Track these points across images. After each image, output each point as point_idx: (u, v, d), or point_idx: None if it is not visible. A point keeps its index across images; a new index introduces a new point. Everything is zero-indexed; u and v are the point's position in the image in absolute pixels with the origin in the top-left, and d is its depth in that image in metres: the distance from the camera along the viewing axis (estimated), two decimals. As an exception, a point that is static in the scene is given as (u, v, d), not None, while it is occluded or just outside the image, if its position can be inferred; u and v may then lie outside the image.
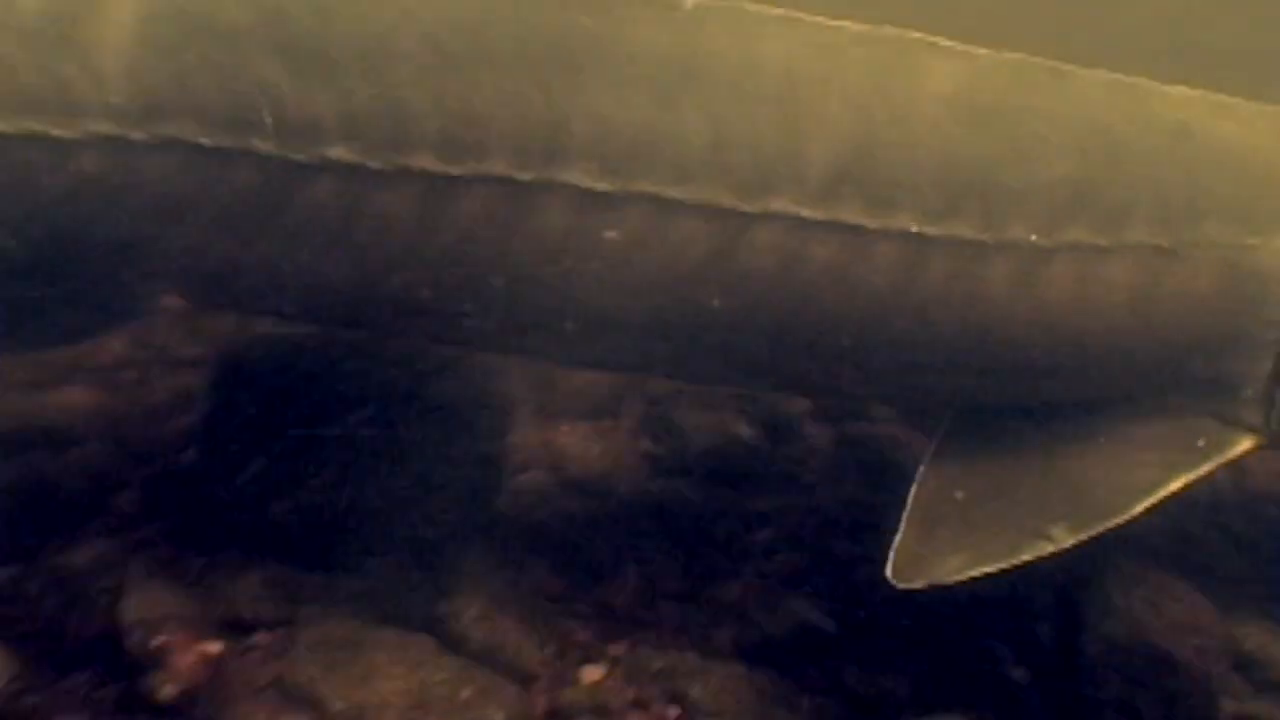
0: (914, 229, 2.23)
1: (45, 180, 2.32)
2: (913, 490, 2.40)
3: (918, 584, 2.24)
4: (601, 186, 2.22)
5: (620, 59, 2.23)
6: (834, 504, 3.09)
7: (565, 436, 3.31)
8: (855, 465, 3.32)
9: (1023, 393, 2.45)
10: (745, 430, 3.37)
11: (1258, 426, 2.37)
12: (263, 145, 2.25)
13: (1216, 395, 2.39)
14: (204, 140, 2.26)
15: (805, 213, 2.22)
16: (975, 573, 2.23)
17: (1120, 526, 2.25)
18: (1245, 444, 2.35)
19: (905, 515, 2.35)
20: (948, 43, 2.36)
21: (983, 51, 2.37)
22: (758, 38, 2.28)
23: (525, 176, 2.22)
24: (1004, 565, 2.24)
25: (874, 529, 2.52)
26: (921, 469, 2.44)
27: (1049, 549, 2.24)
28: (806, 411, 3.49)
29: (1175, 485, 2.28)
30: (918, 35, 2.36)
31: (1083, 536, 2.25)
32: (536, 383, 3.43)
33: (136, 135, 2.27)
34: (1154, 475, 2.30)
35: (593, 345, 2.44)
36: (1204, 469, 2.31)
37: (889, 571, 2.26)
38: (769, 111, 2.22)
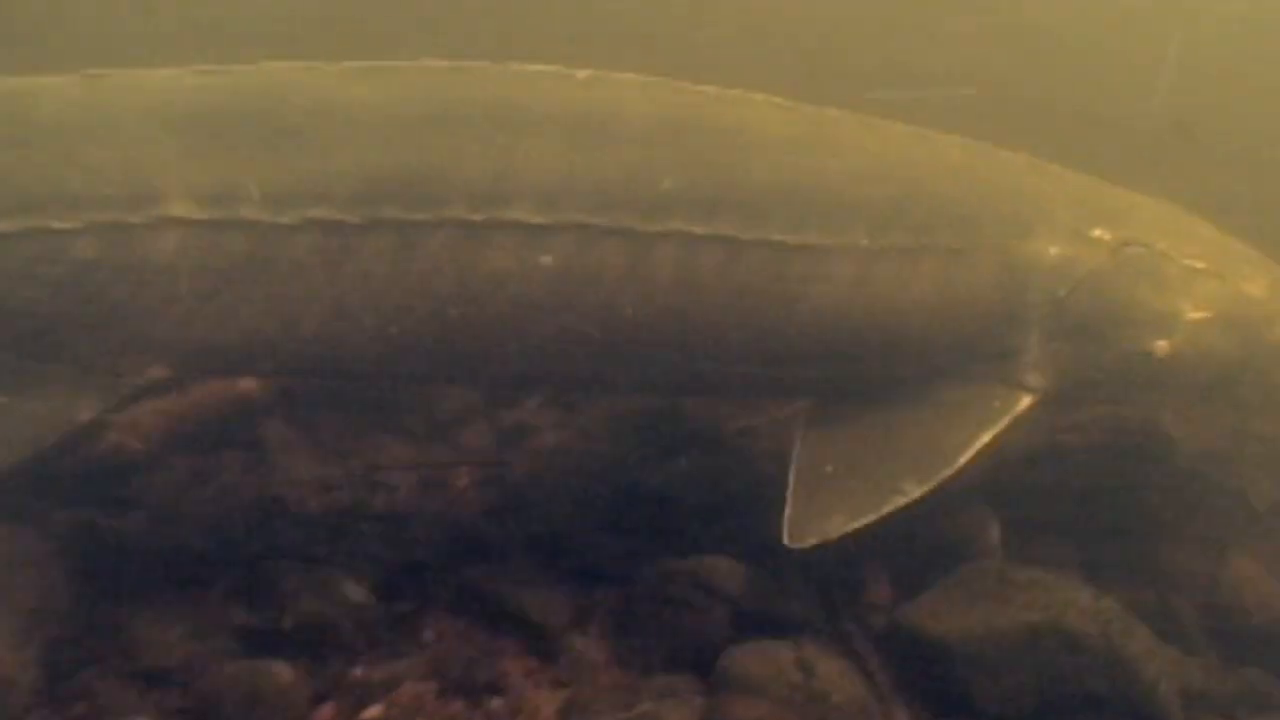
0: (777, 238, 2.82)
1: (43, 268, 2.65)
2: (791, 470, 2.89)
3: (810, 543, 2.74)
4: (538, 220, 2.72)
5: (539, 118, 2.82)
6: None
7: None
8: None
9: (862, 375, 3.01)
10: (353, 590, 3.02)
11: (1035, 387, 3.00)
12: (249, 213, 2.67)
13: (1003, 365, 3.00)
14: (197, 215, 2.66)
15: (695, 229, 2.79)
16: (852, 527, 2.74)
17: (953, 477, 2.80)
18: (1027, 401, 2.97)
19: (789, 492, 2.84)
20: (779, 100, 3.06)
21: (811, 109, 3.10)
22: (630, 99, 2.92)
23: (477, 217, 2.71)
24: (874, 518, 2.75)
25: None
26: (795, 452, 2.94)
27: (905, 500, 2.77)
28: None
29: (985, 438, 2.85)
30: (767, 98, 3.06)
31: (928, 488, 2.78)
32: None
33: (134, 219, 2.65)
34: (968, 433, 2.87)
35: (539, 367, 2.92)
36: (1002, 424, 2.90)
37: (785, 537, 2.76)
38: (640, 152, 2.81)
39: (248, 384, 3.96)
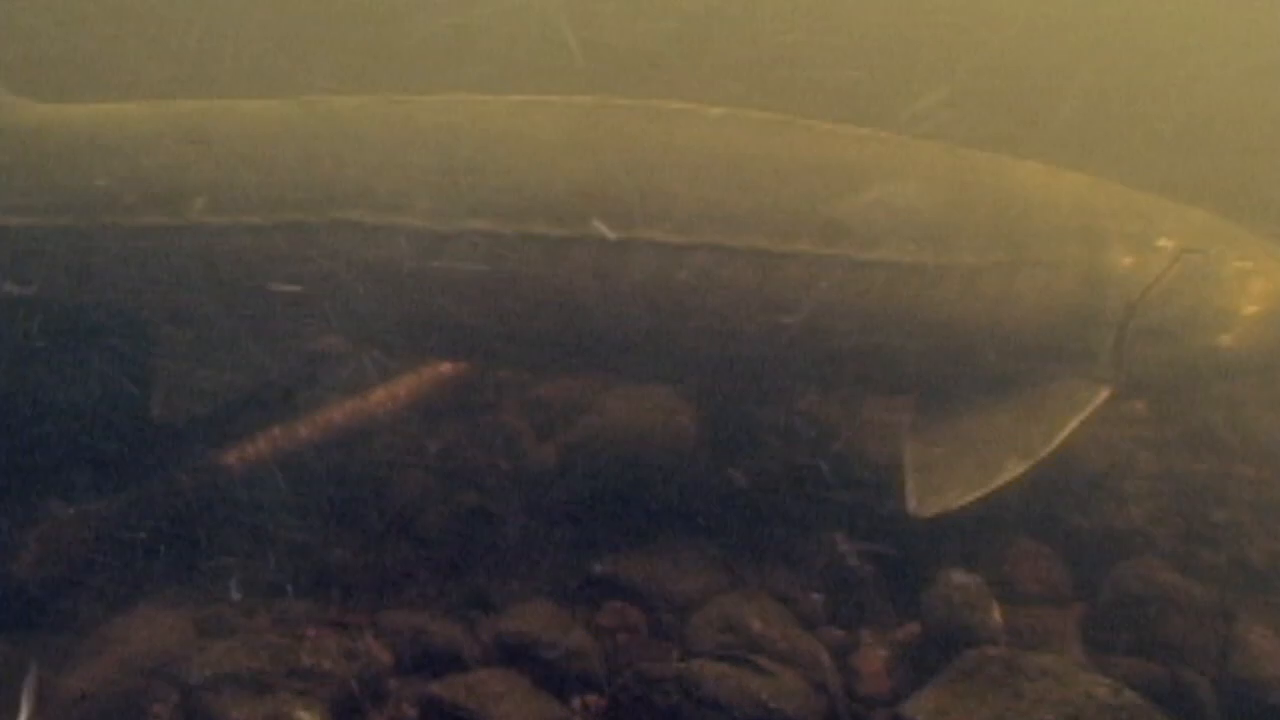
0: (893, 258, 3.26)
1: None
2: (905, 453, 3.28)
3: (934, 512, 3.14)
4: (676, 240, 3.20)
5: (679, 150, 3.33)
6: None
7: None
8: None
9: (964, 374, 3.39)
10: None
11: (1112, 381, 3.37)
12: (414, 222, 3.21)
13: (1085, 362, 3.39)
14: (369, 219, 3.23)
15: (820, 250, 3.23)
16: (969, 499, 3.12)
17: (1048, 458, 3.18)
18: (1105, 393, 3.34)
19: (907, 471, 3.23)
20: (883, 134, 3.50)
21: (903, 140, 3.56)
22: (756, 135, 3.40)
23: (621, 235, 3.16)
24: (987, 490, 3.13)
25: None
26: (906, 439, 3.34)
27: (1010, 475, 3.16)
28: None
29: (1073, 424, 3.24)
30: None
31: (1029, 465, 3.18)
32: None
33: (312, 219, 3.26)
34: (1058, 420, 3.25)
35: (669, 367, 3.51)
36: (1086, 413, 3.27)
37: (910, 507, 3.17)
38: (768, 183, 3.27)
39: (184, 480, 3.64)
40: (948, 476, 3.19)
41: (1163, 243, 3.46)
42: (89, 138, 3.58)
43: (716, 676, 2.77)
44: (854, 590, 3.43)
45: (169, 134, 3.49)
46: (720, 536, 3.72)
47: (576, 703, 2.98)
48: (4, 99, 3.74)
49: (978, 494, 3.13)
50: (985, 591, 3.14)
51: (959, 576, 3.17)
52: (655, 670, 2.87)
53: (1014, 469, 3.15)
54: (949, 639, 3.06)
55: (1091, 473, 3.91)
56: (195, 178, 3.36)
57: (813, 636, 3.21)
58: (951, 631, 3.07)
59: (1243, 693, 3.05)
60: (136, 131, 3.56)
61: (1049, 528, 3.67)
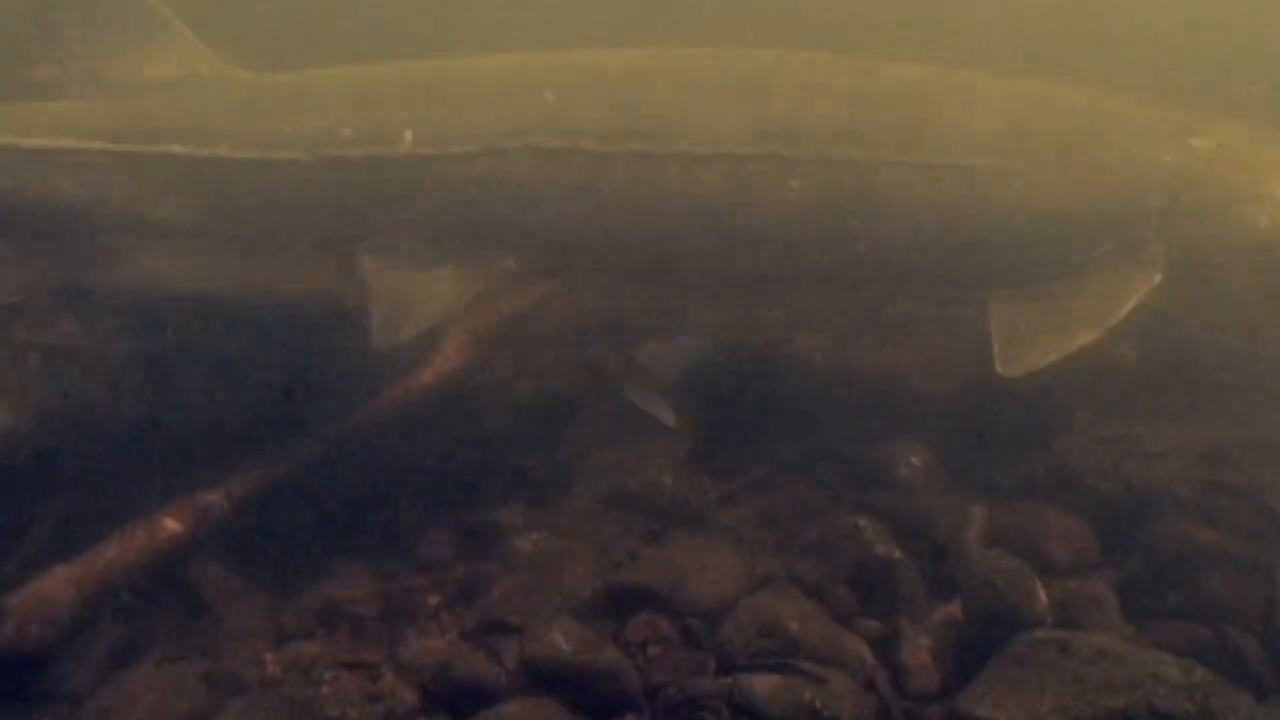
0: (966, 163, 3.79)
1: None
2: (991, 328, 3.64)
3: (1020, 372, 3.49)
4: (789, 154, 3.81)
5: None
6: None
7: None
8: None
9: (1034, 262, 3.79)
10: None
11: (1161, 266, 3.68)
12: (589, 145, 3.82)
13: (1137, 250, 3.74)
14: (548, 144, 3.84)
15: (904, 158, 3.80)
16: (1050, 360, 3.48)
17: (1115, 329, 3.54)
18: (1158, 277, 3.64)
19: (994, 339, 3.59)
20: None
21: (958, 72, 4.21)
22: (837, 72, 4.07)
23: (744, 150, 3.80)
24: (1065, 352, 3.49)
25: None
26: (990, 313, 3.69)
27: (1083, 341, 3.51)
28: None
29: (1132, 303, 3.57)
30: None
31: (1099, 333, 3.53)
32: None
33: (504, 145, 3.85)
34: (1119, 299, 3.59)
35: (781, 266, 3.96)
36: (1141, 294, 3.60)
37: (998, 367, 3.52)
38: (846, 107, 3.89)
39: (170, 524, 3.44)
40: (1027, 345, 3.56)
41: (1198, 141, 3.88)
42: (304, 89, 4.26)
43: (769, 690, 2.65)
44: (882, 575, 3.33)
45: (378, 82, 4.21)
46: (734, 530, 3.61)
47: (626, 721, 2.84)
48: (224, 67, 4.44)
49: (1055, 356, 3.49)
50: (1027, 572, 3.04)
51: (995, 554, 3.08)
52: (700, 686, 2.74)
53: (1085, 336, 3.52)
54: (994, 622, 2.96)
55: (1108, 432, 3.84)
56: (404, 116, 3.94)
57: (851, 631, 3.11)
58: (997, 615, 2.97)
59: (1291, 650, 2.99)
60: (347, 83, 4.24)
61: (1072, 494, 3.59)
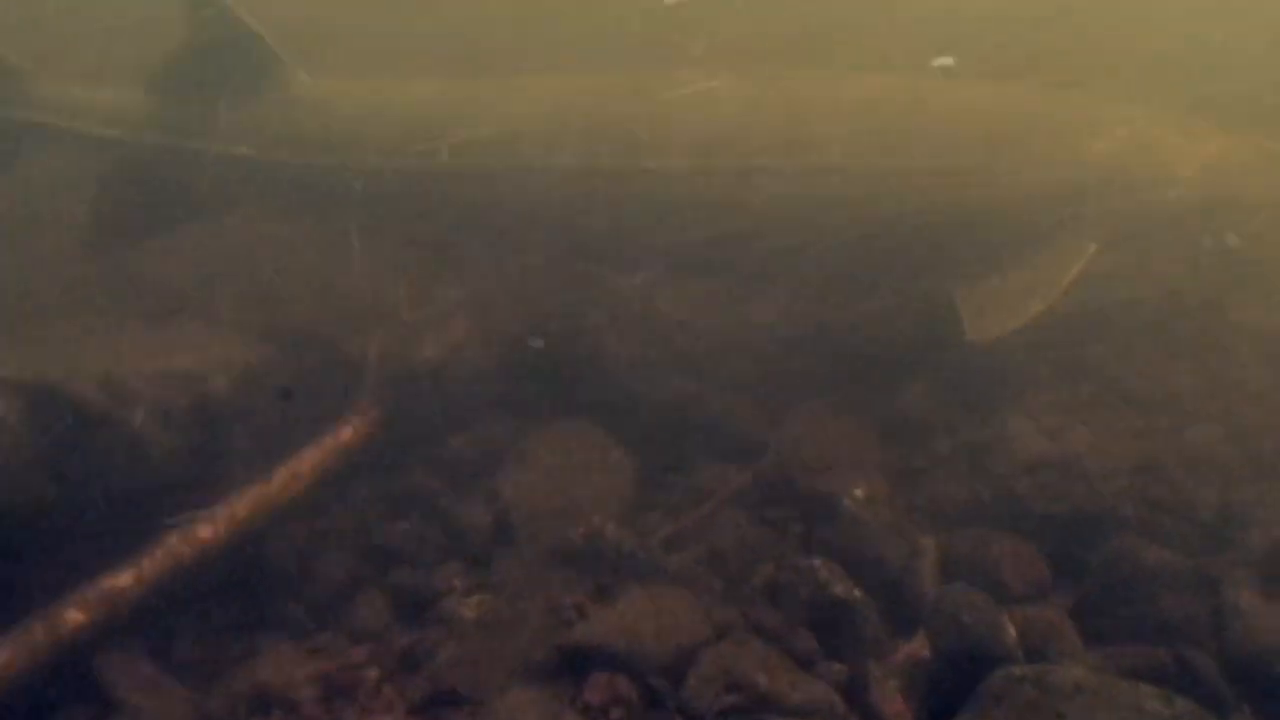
0: (949, 163, 4.36)
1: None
2: (960, 302, 4.14)
3: (986, 339, 4.01)
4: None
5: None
6: None
7: None
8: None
9: (992, 244, 4.30)
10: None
11: (1096, 237, 4.23)
12: (613, 162, 4.48)
13: (1077, 225, 4.27)
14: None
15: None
16: (1014, 324, 3.99)
17: (1061, 295, 4.03)
18: (1094, 248, 4.18)
19: (960, 309, 4.11)
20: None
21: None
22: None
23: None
24: (1021, 322, 3.98)
25: None
26: (959, 292, 4.19)
27: (1040, 307, 4.00)
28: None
29: (1074, 272, 4.09)
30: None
31: (1050, 301, 4.01)
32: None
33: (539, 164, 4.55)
34: (1064, 269, 4.11)
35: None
36: (1082, 263, 4.12)
37: (969, 334, 4.04)
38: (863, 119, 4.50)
39: (72, 615, 3.13)
40: (993, 315, 4.07)
41: (1121, 130, 4.49)
42: (376, 101, 4.99)
43: (752, 755, 2.53)
44: (842, 616, 3.25)
45: (440, 98, 4.94)
46: (685, 580, 3.49)
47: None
48: (299, 77, 5.15)
49: (1015, 324, 3.99)
50: (993, 605, 3.00)
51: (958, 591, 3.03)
52: (676, 755, 2.60)
53: (1038, 305, 4.01)
54: (963, 659, 2.91)
55: (1048, 458, 3.86)
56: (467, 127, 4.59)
57: (817, 679, 3.01)
58: (965, 652, 2.92)
59: (1248, 665, 3.02)
60: (416, 97, 4.97)
61: (1021, 521, 3.59)
